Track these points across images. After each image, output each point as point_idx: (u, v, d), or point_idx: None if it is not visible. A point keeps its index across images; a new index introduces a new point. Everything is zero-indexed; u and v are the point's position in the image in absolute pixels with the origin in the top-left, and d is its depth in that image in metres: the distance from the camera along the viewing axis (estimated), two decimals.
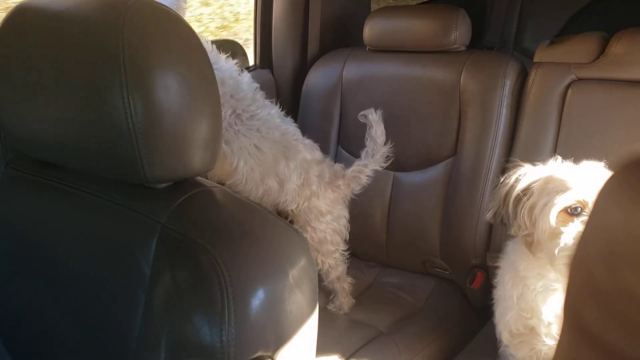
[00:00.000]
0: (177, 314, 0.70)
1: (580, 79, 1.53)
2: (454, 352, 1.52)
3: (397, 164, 1.78)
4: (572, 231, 1.04)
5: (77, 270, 0.83)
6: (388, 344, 1.46)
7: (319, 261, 1.60)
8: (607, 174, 1.03)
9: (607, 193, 0.33)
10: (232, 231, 0.73)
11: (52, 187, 0.87)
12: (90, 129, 0.73)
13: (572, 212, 1.06)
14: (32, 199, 0.91)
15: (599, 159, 1.15)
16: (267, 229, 0.76)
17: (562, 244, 1.04)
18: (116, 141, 0.71)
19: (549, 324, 1.16)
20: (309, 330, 0.75)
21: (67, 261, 0.84)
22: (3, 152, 0.96)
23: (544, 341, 1.18)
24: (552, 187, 1.08)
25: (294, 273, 0.72)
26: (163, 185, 0.78)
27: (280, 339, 0.71)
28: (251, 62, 2.12)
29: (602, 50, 1.52)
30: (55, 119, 0.77)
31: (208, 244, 0.70)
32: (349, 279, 1.68)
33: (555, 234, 1.06)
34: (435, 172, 1.73)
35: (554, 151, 1.53)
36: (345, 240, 1.66)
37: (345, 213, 1.64)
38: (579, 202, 1.05)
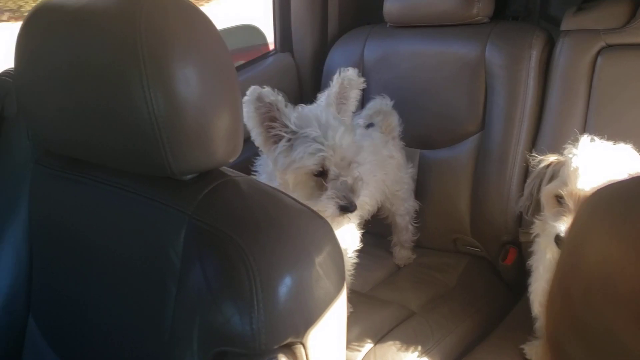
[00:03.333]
0: (207, 304, 0.71)
1: (610, 46, 1.48)
2: (488, 330, 1.51)
3: (423, 141, 1.76)
4: None
5: (113, 261, 0.85)
6: (420, 324, 1.46)
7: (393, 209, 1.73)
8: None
9: (581, 224, 0.34)
10: (258, 220, 0.73)
11: (81, 183, 0.89)
12: (114, 125, 0.74)
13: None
14: (63, 195, 0.92)
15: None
16: (292, 216, 0.76)
17: None
18: (140, 136, 0.72)
19: None
20: (337, 315, 0.75)
21: (104, 252, 0.86)
22: (32, 150, 0.98)
23: None
24: None
25: (320, 260, 0.72)
26: (188, 177, 0.79)
27: (309, 325, 0.71)
28: (271, 47, 2.11)
29: (632, 14, 1.46)
30: (79, 116, 0.78)
31: (235, 234, 0.70)
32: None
33: None
34: (462, 149, 1.70)
35: (584, 124, 1.49)
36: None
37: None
38: None
